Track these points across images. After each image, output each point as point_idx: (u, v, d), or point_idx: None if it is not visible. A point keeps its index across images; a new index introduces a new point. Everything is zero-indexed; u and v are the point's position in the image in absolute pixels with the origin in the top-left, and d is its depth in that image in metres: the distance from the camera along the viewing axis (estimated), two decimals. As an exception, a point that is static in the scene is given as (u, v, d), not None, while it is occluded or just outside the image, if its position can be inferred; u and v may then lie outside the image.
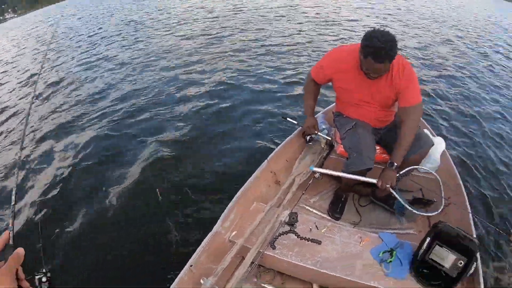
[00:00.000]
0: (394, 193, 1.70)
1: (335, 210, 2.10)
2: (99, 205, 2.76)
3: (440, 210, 1.63)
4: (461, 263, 1.36)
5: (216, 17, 10.72)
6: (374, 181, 1.73)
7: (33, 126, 4.34)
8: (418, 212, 1.69)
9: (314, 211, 2.14)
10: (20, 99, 5.67)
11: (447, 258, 1.39)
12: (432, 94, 4.60)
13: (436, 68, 5.85)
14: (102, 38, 9.61)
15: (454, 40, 8.18)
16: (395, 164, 1.67)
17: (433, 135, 2.32)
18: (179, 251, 2.20)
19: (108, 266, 2.22)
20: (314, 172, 1.97)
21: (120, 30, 10.38)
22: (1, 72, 7.92)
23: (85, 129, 4.07)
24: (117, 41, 8.92)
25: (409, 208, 1.66)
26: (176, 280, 1.42)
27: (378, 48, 1.48)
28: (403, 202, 1.68)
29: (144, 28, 10.24)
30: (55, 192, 2.98)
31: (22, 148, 2.09)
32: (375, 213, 2.12)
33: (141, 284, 2.05)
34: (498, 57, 7.11)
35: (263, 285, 1.69)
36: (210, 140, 3.50)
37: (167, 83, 5.20)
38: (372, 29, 1.55)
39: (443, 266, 1.40)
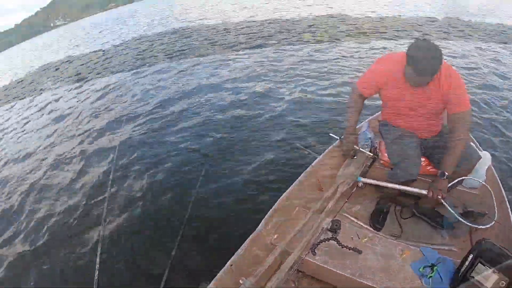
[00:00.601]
0: (446, 204, 1.64)
1: (377, 220, 2.08)
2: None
3: (493, 222, 1.58)
4: (503, 284, 1.34)
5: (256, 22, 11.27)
6: (424, 192, 1.68)
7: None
8: (472, 225, 1.62)
9: (356, 220, 2.09)
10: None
11: (489, 277, 1.37)
12: (476, 108, 4.38)
13: (480, 80, 5.45)
14: (151, 44, 10.69)
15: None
16: (446, 173, 1.63)
17: (479, 149, 2.26)
18: (219, 251, 2.24)
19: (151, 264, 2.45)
20: (359, 181, 1.96)
21: (165, 38, 11.40)
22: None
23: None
24: (165, 50, 9.89)
25: (462, 220, 1.61)
26: (216, 277, 1.46)
27: (421, 61, 1.49)
28: (455, 214, 1.62)
29: (191, 37, 11.24)
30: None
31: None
32: (416, 226, 2.04)
33: (181, 280, 2.22)
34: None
35: None
36: (255, 146, 3.74)
37: (212, 96, 5.62)
38: (419, 39, 1.55)
39: (483, 285, 1.39)
